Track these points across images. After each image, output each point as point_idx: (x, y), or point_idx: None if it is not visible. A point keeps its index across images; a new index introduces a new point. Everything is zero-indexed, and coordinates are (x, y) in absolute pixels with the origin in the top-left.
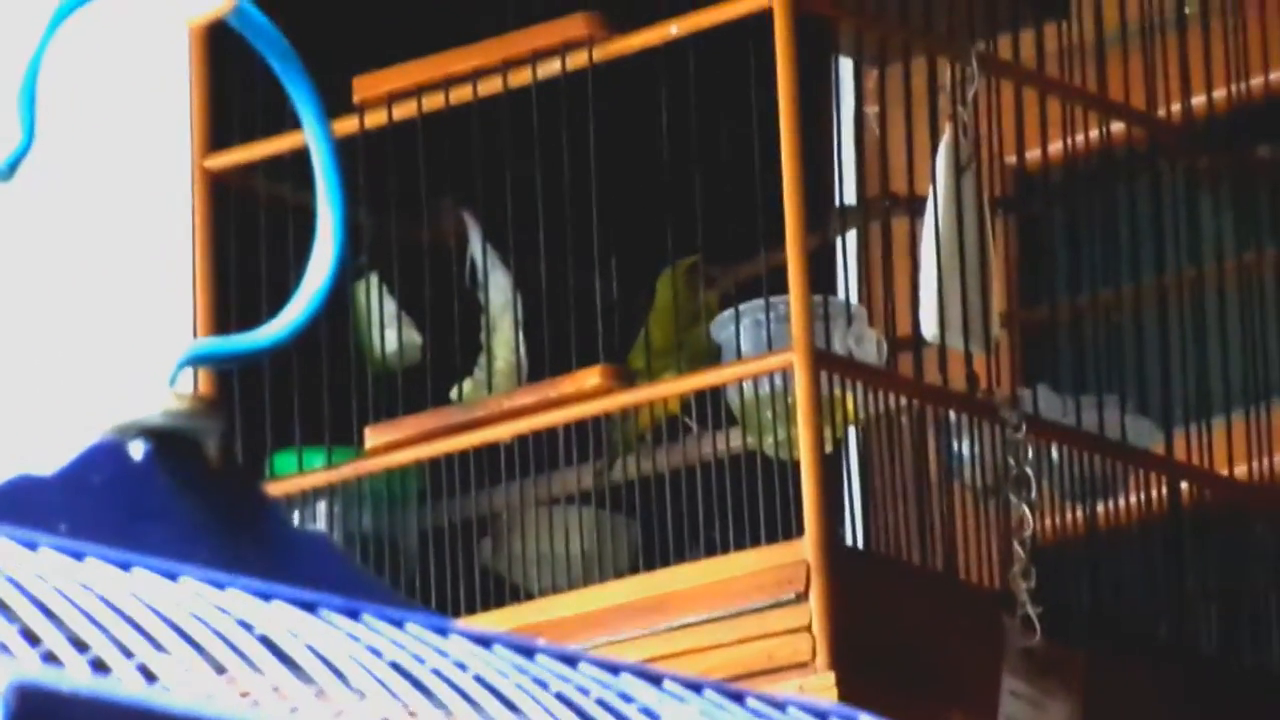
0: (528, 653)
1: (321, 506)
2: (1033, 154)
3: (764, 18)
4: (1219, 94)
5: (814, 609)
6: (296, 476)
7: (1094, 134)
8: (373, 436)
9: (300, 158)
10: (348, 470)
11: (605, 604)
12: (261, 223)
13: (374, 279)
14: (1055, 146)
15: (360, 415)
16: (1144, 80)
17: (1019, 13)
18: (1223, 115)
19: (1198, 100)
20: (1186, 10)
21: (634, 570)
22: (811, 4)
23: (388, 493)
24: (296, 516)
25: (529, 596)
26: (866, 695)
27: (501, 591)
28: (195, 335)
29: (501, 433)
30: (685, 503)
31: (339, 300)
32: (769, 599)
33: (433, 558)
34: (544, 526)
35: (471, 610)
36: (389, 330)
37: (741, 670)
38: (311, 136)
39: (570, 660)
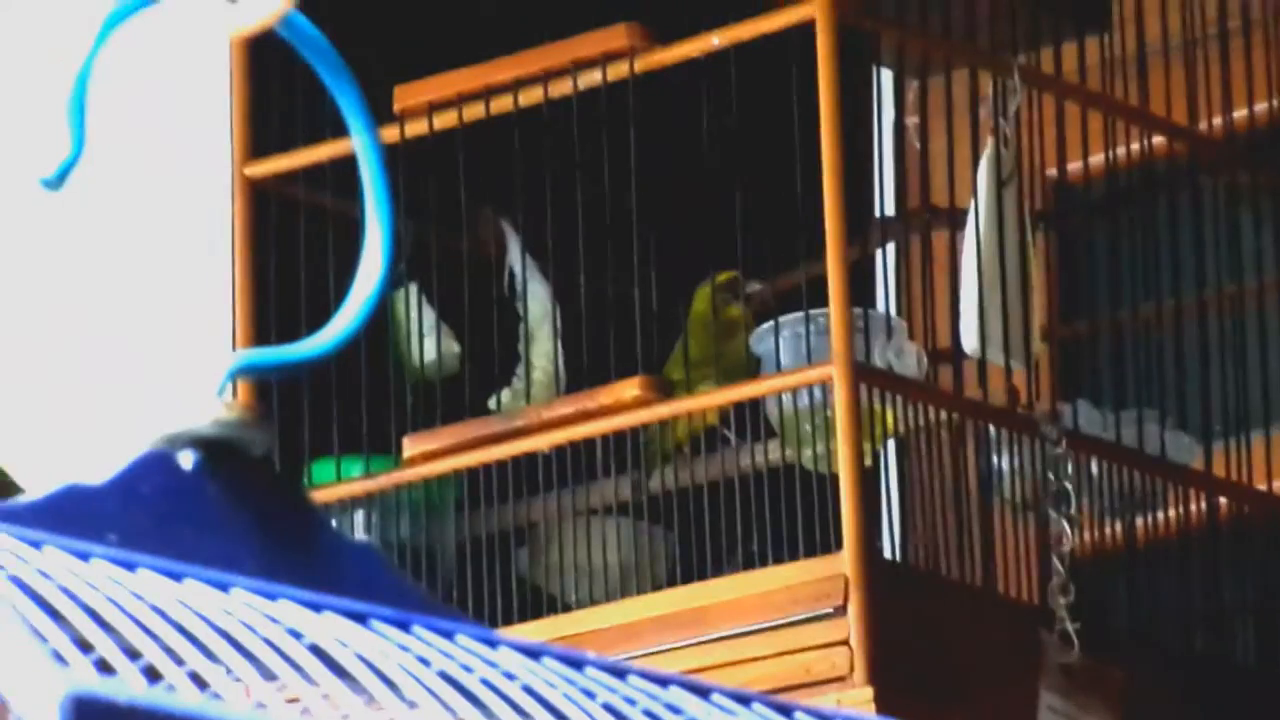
0: (576, 664)
1: (359, 516)
2: (1074, 167)
3: (806, 29)
4: (1260, 108)
5: (852, 623)
6: (334, 485)
7: (1135, 148)
8: (411, 446)
9: (341, 166)
10: (385, 480)
11: (642, 615)
12: (301, 230)
13: (413, 288)
14: (1096, 160)
15: (398, 425)
16: (1185, 93)
17: (1061, 26)
18: (1264, 129)
19: (1239, 114)
20: (1229, 24)
21: (671, 582)
22: (853, 16)
23: (425, 502)
24: (334, 525)
25: (566, 607)
26: (904, 710)
27: (538, 602)
28: (234, 343)
29: (539, 443)
30: (723, 515)
31: (378, 309)
32: (807, 612)
33: (470, 568)
34: (581, 537)
35: (508, 621)
36: (428, 340)
37: (778, 684)
38: (360, 147)
39: (619, 672)
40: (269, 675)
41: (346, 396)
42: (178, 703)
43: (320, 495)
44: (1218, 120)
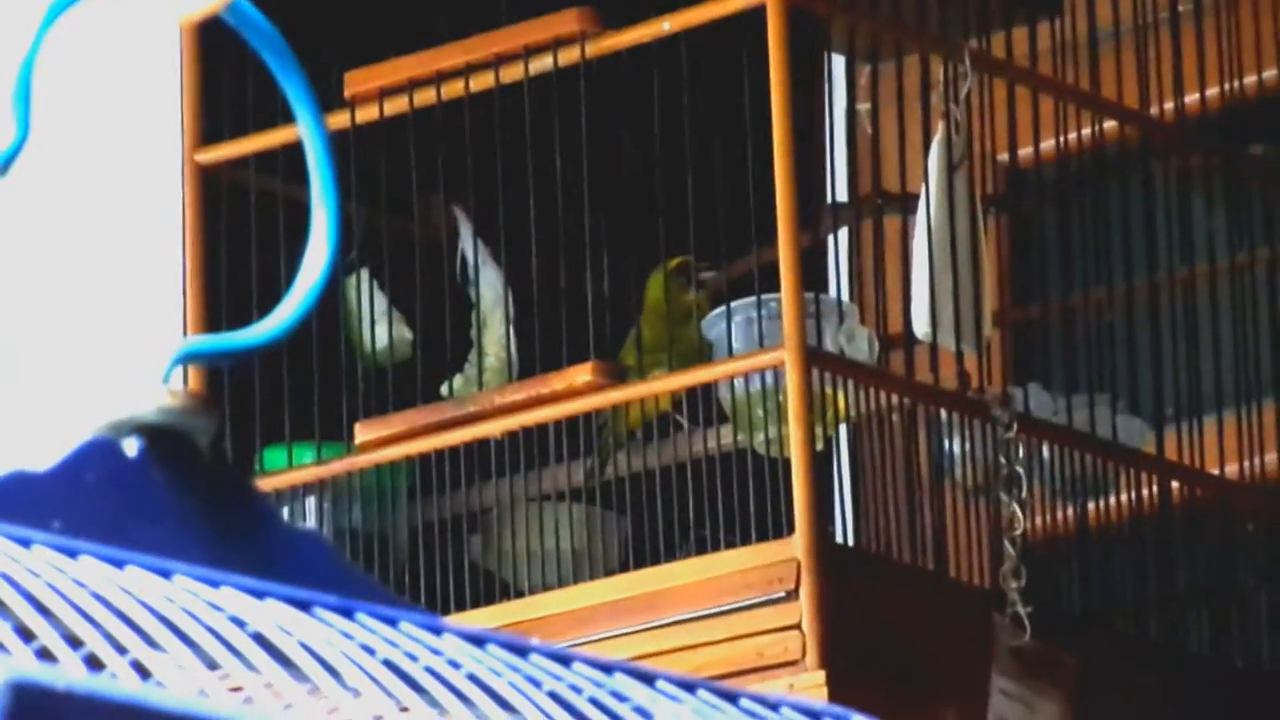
0: (521, 652)
1: (311, 502)
2: (1025, 152)
3: (757, 14)
4: (1212, 92)
5: (804, 607)
6: (286, 472)
7: (1086, 132)
8: (363, 432)
9: (292, 151)
10: (338, 466)
11: (595, 601)
12: (252, 216)
13: (365, 274)
14: (1048, 144)
15: (350, 411)
16: (1137, 78)
17: (1012, 10)
18: (1215, 114)
19: (1191, 98)
20: (1180, 7)
21: (624, 567)
22: (804, 1)
23: (378, 488)
24: (286, 512)
25: (519, 593)
26: (856, 693)
27: (491, 588)
28: (185, 328)
29: (492, 429)
30: (676, 500)
31: (330, 295)
32: (759, 596)
33: (422, 553)
34: (534, 523)
35: (461, 606)
36: (379, 326)
37: (731, 668)
38: (307, 135)
39: (564, 659)
40: (211, 663)
41: (298, 383)
42: (119, 690)
43: (272, 481)
44: (1169, 104)
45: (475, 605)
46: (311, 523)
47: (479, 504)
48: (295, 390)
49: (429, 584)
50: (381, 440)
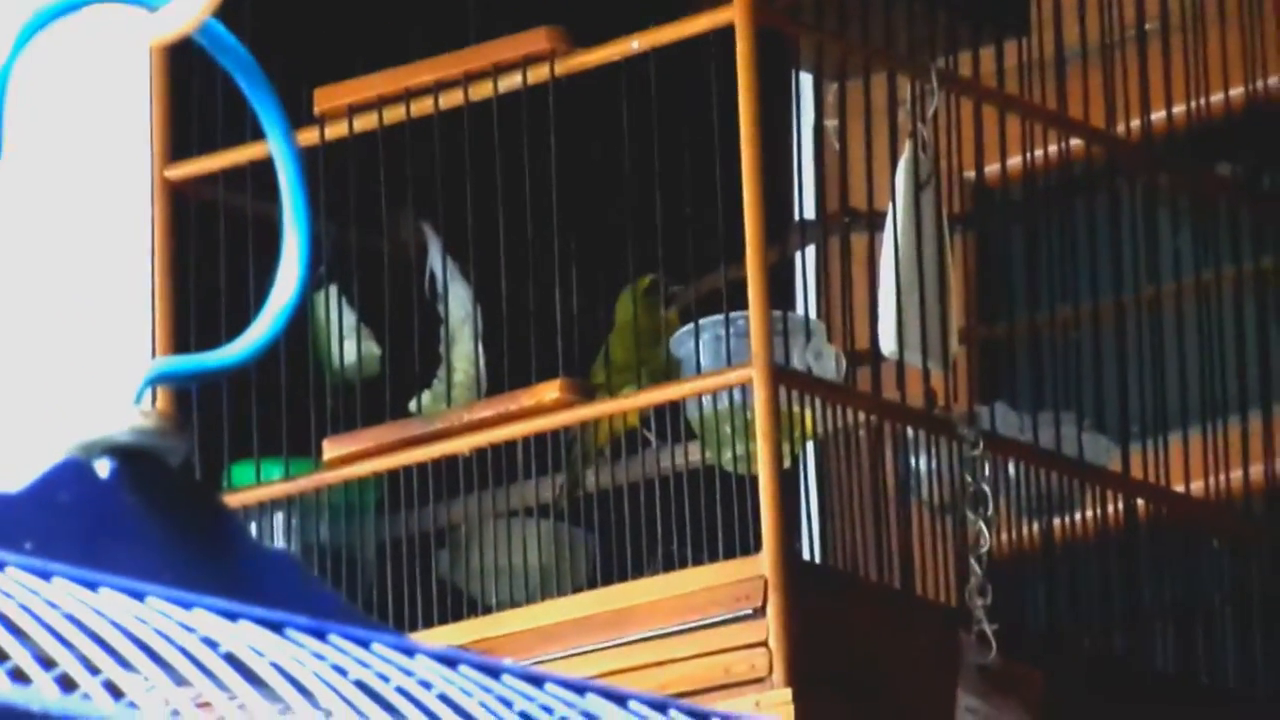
0: (493, 672)
1: (279, 518)
2: (992, 170)
3: (725, 33)
4: (1178, 110)
5: (771, 624)
6: (254, 488)
7: (1053, 150)
8: (331, 448)
9: (261, 168)
10: (306, 482)
11: (563, 617)
12: (221, 233)
13: (333, 290)
14: (1014, 163)
15: (318, 427)
16: (1104, 96)
17: (979, 29)
18: (1182, 132)
19: (1157, 116)
20: (1147, 26)
21: (592, 584)
22: (772, 19)
23: (346, 505)
24: (254, 527)
25: (487, 609)
26: (822, 711)
27: (459, 604)
28: (154, 344)
29: (460, 445)
30: (644, 516)
31: (299, 311)
32: (726, 614)
33: (390, 570)
34: (502, 539)
35: (429, 623)
36: (348, 342)
37: (698, 685)
38: (278, 157)
39: (536, 680)
40: (184, 684)
41: (266, 398)
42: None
43: (240, 497)
44: (1136, 123)
45: (443, 621)
46: (280, 538)
47: (447, 520)
48: (263, 405)
49: (397, 600)
50: (350, 456)
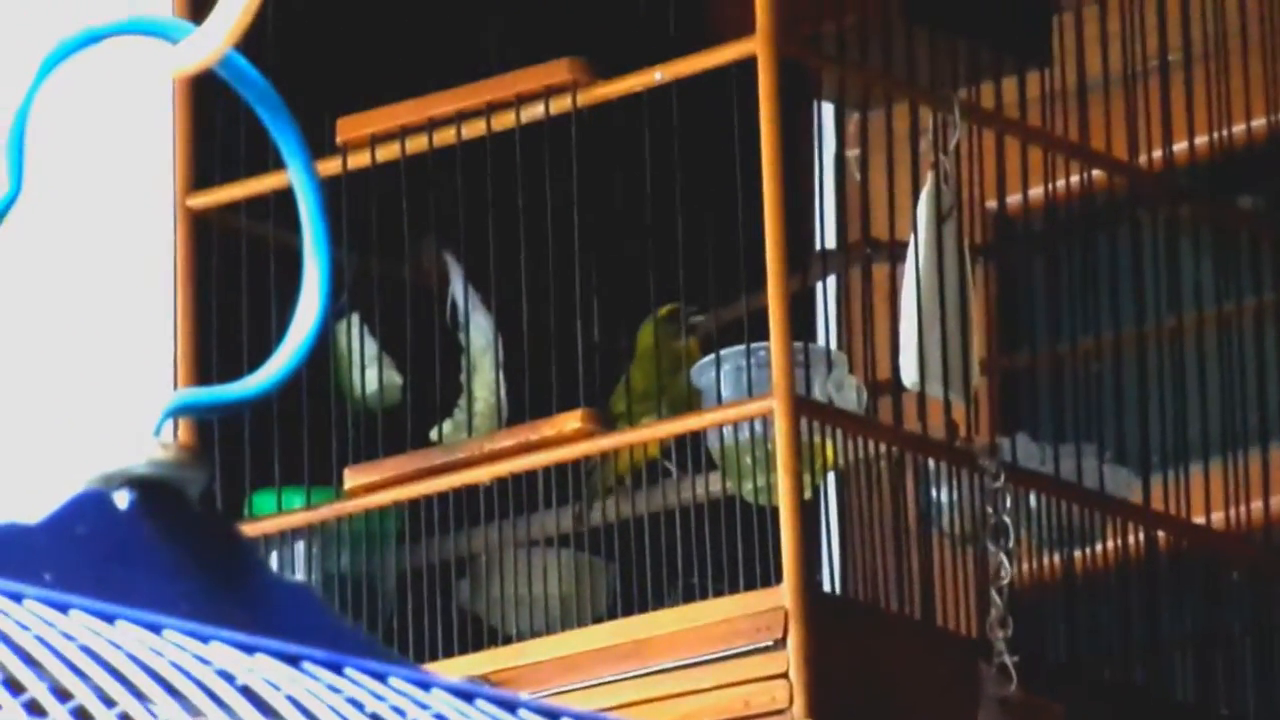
0: (510, 706)
1: (300, 547)
2: (1013, 200)
3: (748, 64)
4: (1200, 141)
5: (791, 655)
6: (275, 517)
7: (1075, 181)
8: (352, 477)
9: (283, 196)
10: (326, 511)
11: (583, 648)
12: (244, 261)
13: (355, 319)
14: (1036, 193)
15: (340, 456)
16: (1126, 127)
17: (1001, 60)
18: (1204, 163)
19: (1179, 147)
20: (1170, 57)
21: (612, 614)
22: (795, 51)
23: (366, 534)
24: (275, 556)
25: (506, 639)
26: None
27: (479, 633)
28: (176, 372)
29: (481, 475)
30: (664, 547)
31: (320, 340)
32: (746, 645)
33: (411, 599)
34: (522, 569)
35: (449, 652)
36: (369, 370)
37: (718, 717)
38: (299, 189)
39: (552, 715)
40: (199, 717)
41: (288, 427)
42: None
43: (261, 526)
44: (1158, 154)
45: (463, 651)
46: (300, 567)
47: (467, 549)
48: (285, 434)
49: (417, 629)
50: (371, 485)
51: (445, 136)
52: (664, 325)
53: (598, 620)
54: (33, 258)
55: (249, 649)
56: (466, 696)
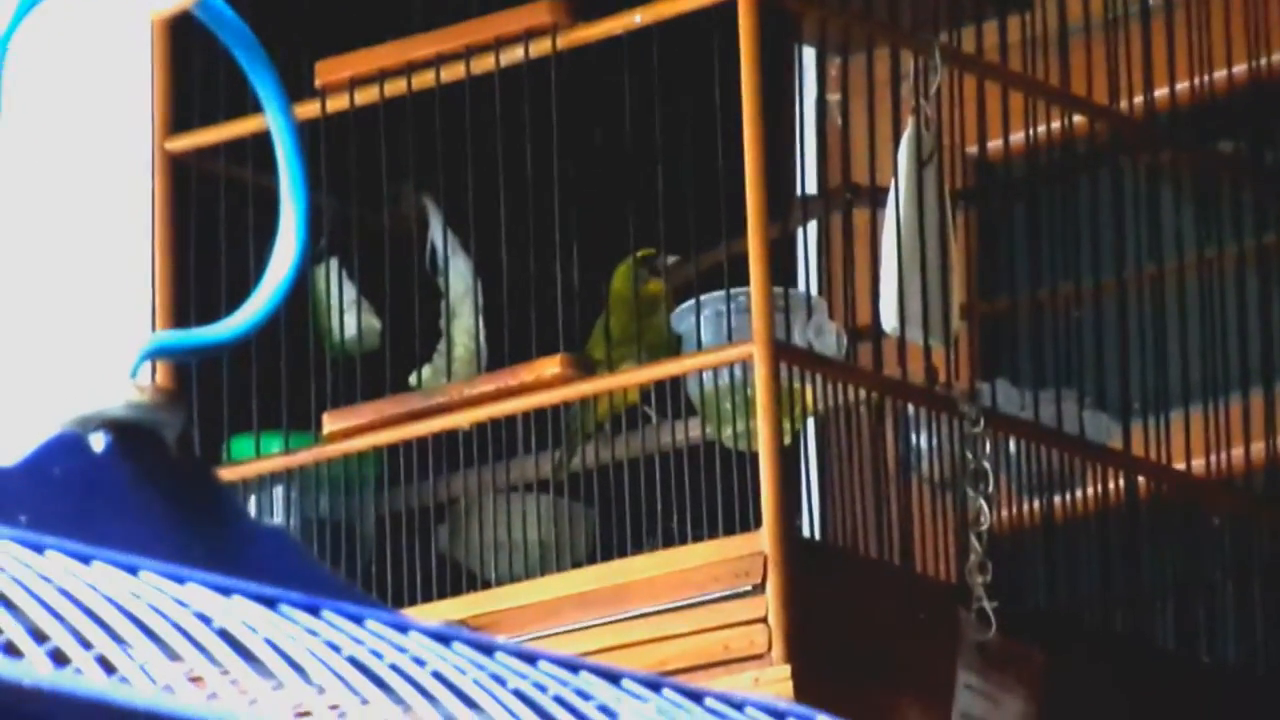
0: (487, 650)
1: (279, 491)
2: (994, 146)
3: (728, 7)
4: (1182, 87)
5: (770, 601)
6: (254, 461)
7: (1056, 126)
8: (331, 422)
9: (262, 140)
10: (305, 455)
11: (562, 593)
12: (222, 204)
13: (334, 264)
14: (1017, 139)
15: (318, 400)
16: (1107, 73)
17: (982, 4)
18: (1185, 108)
19: (1160, 93)
20: (1150, 2)
21: (591, 559)
22: None
23: (345, 478)
24: (253, 501)
25: (486, 584)
26: (821, 687)
27: (458, 578)
28: (154, 316)
29: (460, 420)
30: (644, 492)
31: (298, 284)
32: (726, 590)
33: (390, 544)
34: (502, 514)
35: (428, 597)
36: (348, 315)
37: (697, 661)
38: (276, 133)
39: (529, 658)
40: (176, 658)
41: (266, 372)
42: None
43: (239, 471)
44: (1139, 99)
45: (442, 596)
46: (279, 512)
47: (447, 494)
48: (263, 379)
49: (396, 574)
50: (349, 430)
51: (424, 80)
52: (638, 267)
53: (577, 565)
54: (11, 200)
55: (226, 591)
56: (444, 640)
